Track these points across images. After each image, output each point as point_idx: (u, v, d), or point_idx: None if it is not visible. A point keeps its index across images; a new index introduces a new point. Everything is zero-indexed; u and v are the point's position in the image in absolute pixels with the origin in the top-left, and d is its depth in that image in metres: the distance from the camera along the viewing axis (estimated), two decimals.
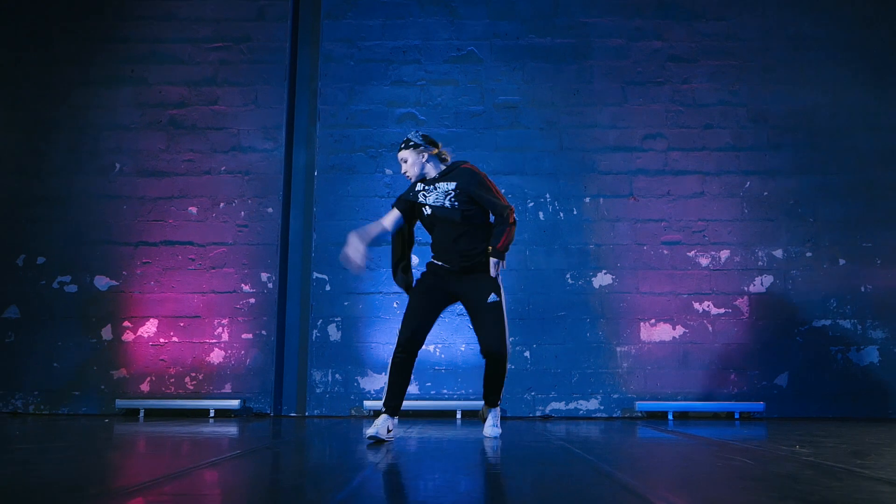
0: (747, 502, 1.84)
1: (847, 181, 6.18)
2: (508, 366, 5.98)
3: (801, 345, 5.97)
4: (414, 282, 3.94)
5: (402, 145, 3.94)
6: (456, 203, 3.81)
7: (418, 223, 4.04)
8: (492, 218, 3.90)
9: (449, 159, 4.04)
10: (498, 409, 4.07)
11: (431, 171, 3.94)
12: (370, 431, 3.59)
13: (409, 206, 3.96)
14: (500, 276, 3.83)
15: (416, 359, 3.78)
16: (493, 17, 6.50)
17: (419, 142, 3.92)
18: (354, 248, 3.72)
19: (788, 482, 2.15)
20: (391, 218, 3.95)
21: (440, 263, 3.87)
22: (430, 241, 3.96)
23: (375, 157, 6.31)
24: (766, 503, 1.81)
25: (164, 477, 2.32)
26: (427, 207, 3.88)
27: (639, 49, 6.44)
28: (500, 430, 3.99)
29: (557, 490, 2.09)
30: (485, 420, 4.09)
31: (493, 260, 3.78)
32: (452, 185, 3.86)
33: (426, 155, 3.93)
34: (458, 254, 3.81)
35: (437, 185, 3.90)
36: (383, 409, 3.70)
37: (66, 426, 4.81)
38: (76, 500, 1.84)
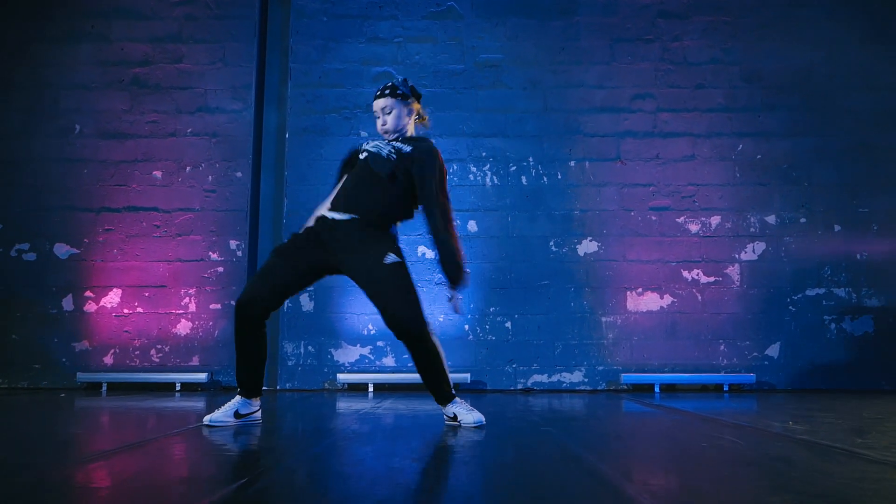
0: (735, 494, 1.59)
1: (843, 144, 5.91)
2: (489, 337, 5.78)
3: (793, 314, 5.74)
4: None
5: (385, 91, 3.24)
6: (394, 157, 3.12)
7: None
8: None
9: (428, 125, 3.47)
10: (457, 400, 3.14)
11: (408, 132, 3.28)
12: (206, 418, 3.02)
13: (353, 158, 3.32)
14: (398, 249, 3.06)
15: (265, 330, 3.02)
16: None
17: (406, 91, 3.27)
18: None
19: (782, 466, 1.90)
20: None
21: (330, 216, 3.07)
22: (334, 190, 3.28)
23: (350, 119, 5.99)
24: (757, 496, 1.55)
25: (123, 447, 2.06)
26: (363, 153, 3.21)
27: (627, 4, 6.10)
28: (479, 414, 3.08)
29: (514, 477, 1.84)
30: (454, 417, 3.11)
31: (452, 292, 3.04)
32: (408, 148, 3.17)
33: (410, 110, 3.28)
34: (358, 203, 3.04)
35: (393, 143, 3.23)
36: (239, 391, 3.10)
37: (26, 401, 4.55)
38: (30, 475, 1.58)
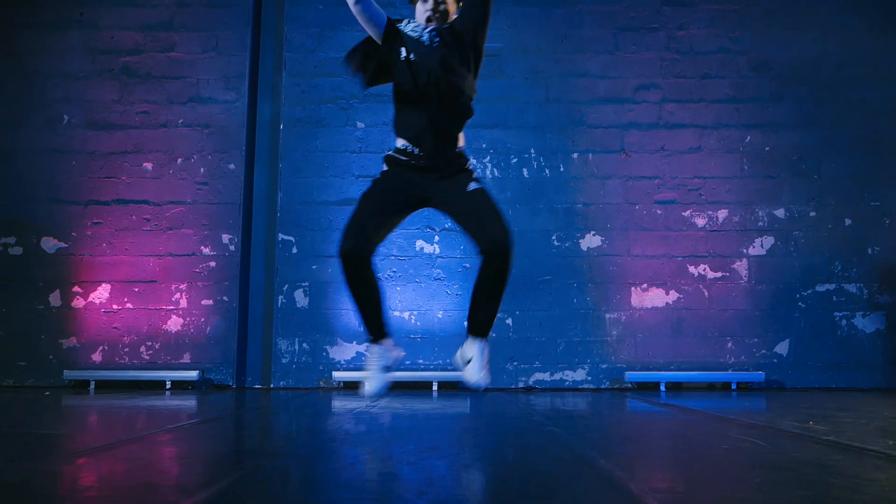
0: None
1: (855, 135, 5.73)
2: (490, 334, 5.59)
3: (803, 311, 5.56)
4: None
5: None
6: (437, 40, 2.77)
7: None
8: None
9: None
10: (485, 343, 2.94)
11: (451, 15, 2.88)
12: (366, 391, 2.83)
13: (391, 34, 2.81)
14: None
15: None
16: None
17: None
18: None
19: (817, 472, 1.73)
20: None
21: (406, 149, 2.84)
22: (394, 117, 2.93)
23: (346, 109, 5.81)
24: None
25: (94, 449, 1.88)
26: (404, 48, 2.78)
27: None
28: (486, 376, 2.91)
29: (521, 483, 1.66)
30: (468, 361, 2.92)
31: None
32: (446, 25, 2.82)
33: None
34: (434, 129, 2.78)
35: (428, 26, 2.84)
36: (370, 339, 2.88)
37: (10, 399, 4.38)
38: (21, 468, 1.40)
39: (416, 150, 2.81)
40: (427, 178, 2.83)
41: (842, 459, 1.90)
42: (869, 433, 2.50)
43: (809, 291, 5.59)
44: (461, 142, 2.90)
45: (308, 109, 5.83)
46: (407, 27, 2.84)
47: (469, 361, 2.90)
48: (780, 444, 2.26)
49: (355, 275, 2.76)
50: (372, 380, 2.84)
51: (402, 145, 2.84)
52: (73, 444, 2.39)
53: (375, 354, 2.87)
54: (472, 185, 2.82)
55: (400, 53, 2.79)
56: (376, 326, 2.86)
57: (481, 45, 2.85)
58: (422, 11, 2.84)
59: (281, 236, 5.68)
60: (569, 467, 1.90)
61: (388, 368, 2.88)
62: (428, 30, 2.81)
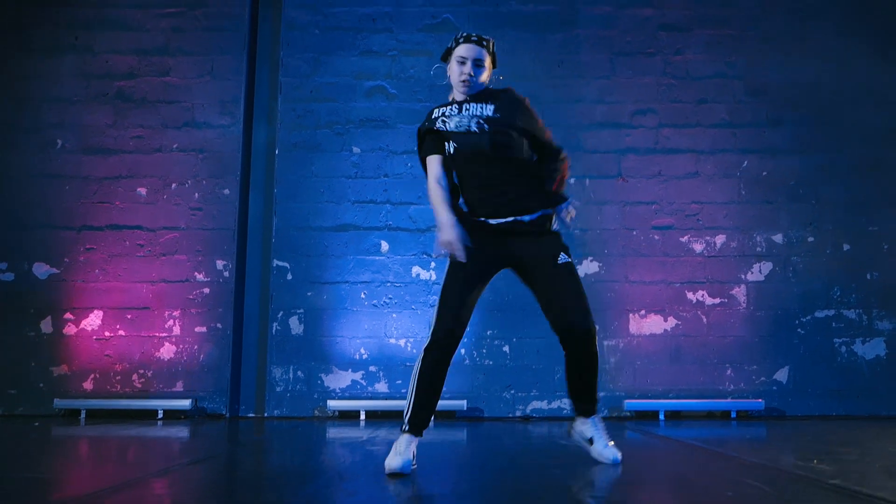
0: None
1: (852, 160, 5.72)
2: (486, 361, 5.56)
3: (802, 337, 5.52)
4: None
5: (483, 42, 2.84)
6: (486, 126, 2.74)
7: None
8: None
9: None
10: (598, 418, 2.92)
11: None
12: (391, 465, 2.58)
13: (440, 141, 2.83)
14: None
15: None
16: None
17: (495, 51, 2.91)
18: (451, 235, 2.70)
19: None
20: (436, 171, 2.82)
21: (478, 218, 2.80)
22: (460, 191, 2.88)
23: (342, 134, 5.78)
24: None
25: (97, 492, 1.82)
26: (450, 140, 2.78)
27: (628, 17, 5.92)
28: (616, 451, 2.83)
29: None
30: (589, 440, 2.88)
31: (560, 209, 2.79)
32: (490, 107, 2.79)
33: (489, 74, 2.89)
34: (496, 204, 2.76)
35: (464, 106, 2.81)
36: (405, 428, 2.69)
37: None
38: None
39: (488, 220, 2.81)
40: (504, 237, 2.80)
41: None
42: (875, 474, 2.44)
43: (808, 317, 5.54)
44: (537, 199, 2.84)
45: (304, 134, 5.79)
46: (448, 123, 2.80)
47: (591, 440, 2.88)
48: (786, 490, 2.20)
49: (438, 361, 2.72)
50: (395, 458, 2.62)
51: (473, 215, 2.83)
52: (56, 493, 2.32)
53: (404, 443, 2.67)
54: (563, 258, 2.79)
55: (445, 147, 2.82)
56: (422, 421, 2.72)
57: (532, 128, 2.87)
58: (457, 73, 2.84)
59: (276, 262, 5.62)
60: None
61: (413, 456, 2.67)
62: (476, 121, 2.77)
